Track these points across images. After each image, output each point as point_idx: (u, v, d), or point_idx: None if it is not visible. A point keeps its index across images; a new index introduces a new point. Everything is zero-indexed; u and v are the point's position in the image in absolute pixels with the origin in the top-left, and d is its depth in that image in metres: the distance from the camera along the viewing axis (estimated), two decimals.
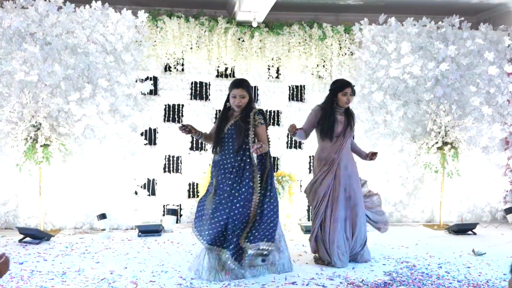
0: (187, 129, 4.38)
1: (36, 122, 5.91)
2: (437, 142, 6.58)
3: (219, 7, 7.09)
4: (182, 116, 6.89)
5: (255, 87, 7.08)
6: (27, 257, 5.03)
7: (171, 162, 6.91)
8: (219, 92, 6.95)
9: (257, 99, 7.09)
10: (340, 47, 7.03)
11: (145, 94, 6.66)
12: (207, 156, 6.85)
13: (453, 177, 6.74)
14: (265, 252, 4.36)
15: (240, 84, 4.41)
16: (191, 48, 6.76)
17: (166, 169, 6.89)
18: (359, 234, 4.86)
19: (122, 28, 6.23)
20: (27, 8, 6.04)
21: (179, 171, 6.90)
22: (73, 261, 4.91)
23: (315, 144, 7.09)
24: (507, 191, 7.13)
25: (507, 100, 7.02)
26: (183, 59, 6.85)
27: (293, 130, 4.59)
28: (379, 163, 6.77)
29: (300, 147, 7.19)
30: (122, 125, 6.33)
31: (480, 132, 6.96)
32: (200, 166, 6.83)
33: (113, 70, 6.23)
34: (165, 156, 6.90)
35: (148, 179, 6.82)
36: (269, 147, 4.46)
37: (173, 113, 6.91)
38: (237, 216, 4.30)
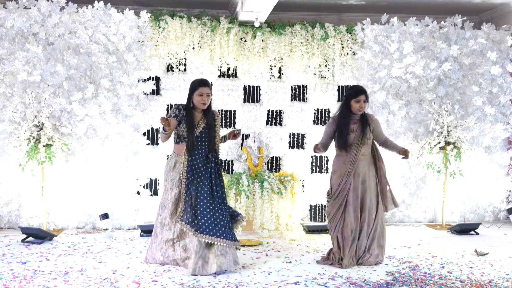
0: (167, 121, 4.42)
1: (38, 122, 5.92)
2: (439, 142, 6.57)
3: (222, 7, 7.09)
4: None
5: (257, 87, 7.09)
6: (29, 257, 5.03)
7: None
8: (221, 92, 6.96)
9: (259, 99, 7.09)
10: (343, 47, 7.03)
11: (147, 94, 6.67)
12: None
13: (456, 177, 6.74)
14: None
15: (207, 83, 4.63)
16: (194, 48, 6.77)
17: None
18: (371, 242, 4.89)
19: (124, 28, 6.23)
20: (30, 8, 6.06)
21: None
22: (75, 261, 4.92)
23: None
24: (509, 191, 7.12)
25: (509, 100, 7.01)
26: (185, 59, 6.85)
27: (317, 150, 4.85)
28: None
29: (302, 147, 7.19)
30: (124, 125, 6.34)
31: (482, 132, 6.95)
32: None
33: (115, 70, 6.24)
34: (167, 156, 6.90)
35: (150, 179, 6.83)
36: None
37: None
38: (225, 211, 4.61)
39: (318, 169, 7.21)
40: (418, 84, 6.84)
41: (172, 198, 4.60)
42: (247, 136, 6.99)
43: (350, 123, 4.84)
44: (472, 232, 6.37)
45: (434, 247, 5.64)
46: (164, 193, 4.70)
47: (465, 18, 6.85)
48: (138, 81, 6.42)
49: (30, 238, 5.69)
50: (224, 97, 6.97)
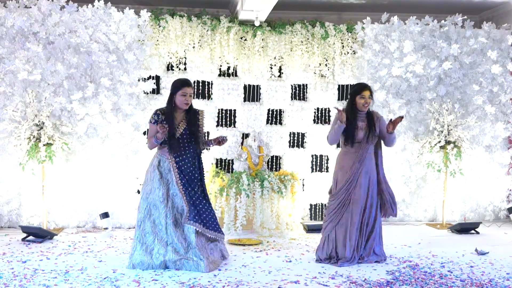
0: (164, 128, 4.44)
1: (39, 121, 5.93)
2: (440, 141, 6.57)
3: (222, 6, 7.09)
4: None
5: (257, 86, 7.09)
6: (30, 256, 5.04)
7: None
8: (222, 91, 6.95)
9: (260, 98, 7.09)
10: (343, 46, 7.02)
11: (147, 93, 6.67)
12: (209, 154, 6.86)
13: (456, 176, 6.74)
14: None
15: (190, 83, 4.64)
16: (194, 47, 6.77)
17: None
18: (372, 241, 4.92)
19: (124, 27, 6.23)
20: (30, 7, 6.06)
21: None
22: (76, 260, 4.92)
23: (316, 143, 7.13)
24: (510, 190, 7.12)
25: (510, 99, 7.00)
26: (185, 58, 6.85)
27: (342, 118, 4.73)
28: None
29: (302, 146, 7.19)
30: (124, 124, 6.34)
31: (483, 131, 6.94)
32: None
33: (115, 69, 6.24)
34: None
35: None
36: None
37: None
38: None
39: (318, 168, 7.21)
40: (418, 83, 6.84)
41: (160, 198, 4.58)
42: (247, 135, 6.98)
43: (357, 120, 4.84)
44: (473, 231, 6.37)
45: (435, 246, 5.64)
46: (151, 192, 4.60)
47: (465, 17, 6.84)
48: (138, 80, 6.42)
49: (31, 237, 5.69)
50: (224, 96, 6.97)
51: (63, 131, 6.16)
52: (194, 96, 6.87)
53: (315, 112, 7.18)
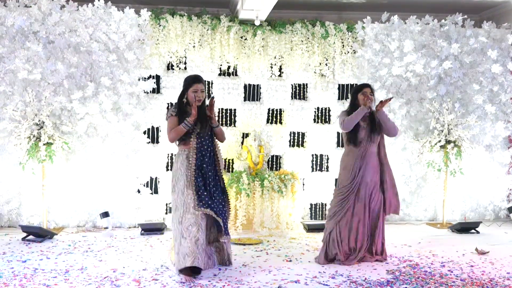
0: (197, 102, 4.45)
1: (39, 121, 5.92)
2: (440, 141, 6.56)
3: (222, 6, 7.09)
4: None
5: (257, 85, 7.09)
6: (30, 255, 5.04)
7: (173, 160, 6.90)
8: (222, 91, 6.95)
9: (260, 98, 7.09)
10: (343, 45, 7.02)
11: (147, 93, 6.67)
12: None
13: (456, 176, 6.73)
14: None
15: (201, 79, 4.57)
16: (194, 46, 6.77)
17: (169, 168, 6.89)
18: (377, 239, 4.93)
19: (124, 26, 6.23)
20: (30, 6, 6.06)
21: None
22: (76, 259, 4.92)
23: (316, 143, 7.13)
24: (510, 189, 7.11)
25: (510, 98, 7.00)
26: (185, 57, 6.85)
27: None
28: None
29: (302, 146, 7.19)
30: (125, 124, 6.34)
31: (483, 130, 6.94)
32: None
33: (116, 68, 6.24)
34: (168, 154, 6.90)
35: (150, 177, 6.82)
36: None
37: None
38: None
39: (318, 168, 7.21)
40: (418, 82, 6.83)
41: (190, 194, 4.41)
42: (247, 135, 6.98)
43: (361, 119, 4.86)
44: (473, 231, 6.37)
45: (435, 246, 5.64)
46: (181, 193, 4.45)
47: (465, 16, 6.84)
48: (139, 79, 6.41)
49: (31, 237, 5.69)
50: (224, 95, 6.97)
51: (63, 130, 6.15)
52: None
53: (315, 112, 7.18)
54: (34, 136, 5.91)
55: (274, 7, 6.25)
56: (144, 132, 6.62)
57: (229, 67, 6.97)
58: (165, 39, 6.68)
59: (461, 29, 6.83)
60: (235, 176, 6.38)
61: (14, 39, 6.04)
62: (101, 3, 6.20)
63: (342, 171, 4.97)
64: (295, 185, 6.49)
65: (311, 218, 7.14)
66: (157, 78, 6.82)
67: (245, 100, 7.08)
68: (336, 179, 5.08)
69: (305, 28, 6.90)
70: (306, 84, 7.15)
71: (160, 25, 6.62)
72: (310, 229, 6.31)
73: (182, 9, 6.91)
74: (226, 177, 6.44)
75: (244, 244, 5.61)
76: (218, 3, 6.99)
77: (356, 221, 4.84)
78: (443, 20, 6.85)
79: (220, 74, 6.99)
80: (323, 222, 6.51)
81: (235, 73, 7.02)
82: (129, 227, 6.42)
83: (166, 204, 6.80)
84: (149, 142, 6.72)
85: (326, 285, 4.24)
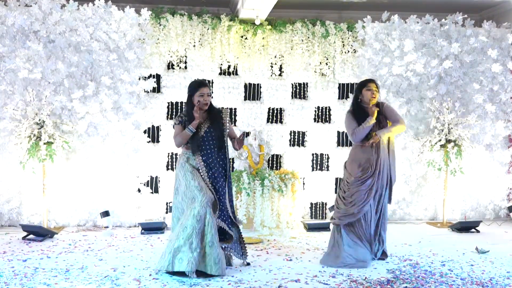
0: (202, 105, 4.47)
1: (39, 120, 5.93)
2: (440, 140, 6.57)
3: (222, 5, 7.09)
4: None
5: (258, 84, 7.09)
6: (30, 254, 5.04)
7: (174, 159, 6.91)
8: (222, 90, 6.96)
9: (260, 97, 7.09)
10: (343, 45, 7.02)
11: (148, 92, 6.67)
12: None
13: (457, 175, 6.74)
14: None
15: (206, 83, 4.62)
16: (194, 45, 6.77)
17: (169, 167, 6.90)
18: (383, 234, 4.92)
19: (125, 26, 6.23)
20: (31, 6, 6.06)
21: None
22: (76, 259, 4.92)
23: (316, 142, 7.13)
24: (510, 188, 7.12)
25: (510, 98, 7.00)
26: (186, 56, 6.85)
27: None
28: None
29: (303, 145, 7.19)
30: (125, 123, 6.34)
31: (483, 130, 6.94)
32: None
33: (116, 68, 6.24)
34: (168, 153, 6.91)
35: (151, 176, 6.83)
36: None
37: (176, 110, 6.92)
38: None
39: (318, 167, 7.21)
40: (419, 82, 6.84)
41: (198, 186, 4.40)
42: (248, 134, 6.99)
43: (366, 114, 4.80)
44: (473, 230, 6.37)
45: (435, 245, 5.65)
46: (187, 187, 4.45)
47: (466, 15, 6.84)
48: (139, 78, 6.41)
49: (31, 236, 5.70)
50: (224, 95, 6.97)
51: (64, 129, 6.16)
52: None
53: (315, 111, 7.19)
54: (34, 135, 5.91)
55: (275, 7, 6.25)
56: (145, 132, 6.63)
57: (229, 67, 6.97)
58: (166, 39, 6.68)
59: (461, 29, 6.83)
60: (235, 176, 6.39)
61: (15, 39, 6.04)
62: (102, 2, 6.19)
63: (352, 163, 4.88)
64: (296, 184, 6.50)
65: (311, 218, 7.15)
66: (158, 77, 6.82)
67: (245, 99, 7.08)
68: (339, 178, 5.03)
69: (306, 27, 6.91)
70: (307, 83, 7.16)
71: (160, 25, 6.62)
72: (311, 228, 6.31)
73: (183, 9, 6.91)
74: None
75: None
76: (218, 3, 6.99)
77: (369, 218, 4.81)
78: (443, 20, 6.85)
79: (220, 74, 6.99)
80: (323, 221, 6.54)
81: (235, 73, 7.03)
82: (130, 226, 6.43)
83: (167, 203, 6.80)
84: (150, 141, 6.72)
85: (327, 284, 4.24)
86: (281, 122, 7.16)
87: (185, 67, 6.88)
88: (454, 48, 6.65)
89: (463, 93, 6.90)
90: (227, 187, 4.57)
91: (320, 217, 7.14)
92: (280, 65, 7.03)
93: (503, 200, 7.13)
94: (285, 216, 6.36)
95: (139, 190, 6.56)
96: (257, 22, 6.54)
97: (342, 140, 7.25)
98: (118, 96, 6.27)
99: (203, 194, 4.37)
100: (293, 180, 6.48)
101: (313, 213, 7.17)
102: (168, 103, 6.90)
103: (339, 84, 7.18)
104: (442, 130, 6.62)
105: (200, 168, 4.51)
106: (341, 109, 7.16)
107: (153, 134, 6.87)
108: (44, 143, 5.87)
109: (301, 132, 7.20)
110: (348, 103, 7.18)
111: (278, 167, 7.14)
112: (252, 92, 7.10)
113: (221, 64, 6.92)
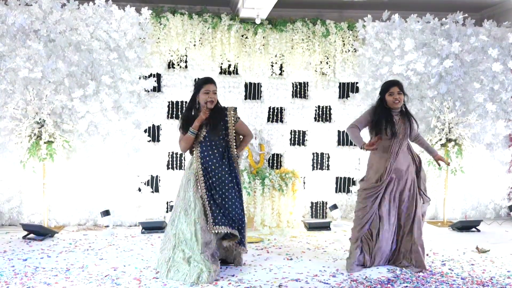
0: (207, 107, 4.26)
1: (40, 119, 5.93)
2: (440, 139, 6.56)
3: (223, 4, 7.09)
4: None
5: (258, 84, 7.08)
6: (30, 254, 5.04)
7: (174, 159, 6.92)
8: (222, 89, 6.95)
9: (261, 96, 7.09)
10: (344, 44, 7.02)
11: (148, 91, 6.67)
12: None
13: (457, 174, 6.73)
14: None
15: (212, 80, 4.39)
16: (195, 45, 6.77)
17: (170, 166, 6.90)
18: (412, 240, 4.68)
19: (125, 25, 6.23)
20: (31, 5, 6.06)
21: (183, 167, 6.91)
22: (76, 258, 4.92)
23: (317, 141, 7.13)
24: (511, 187, 7.12)
25: (511, 97, 7.00)
26: (186, 56, 6.85)
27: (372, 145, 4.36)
28: None
29: (303, 144, 7.19)
30: (125, 122, 6.34)
31: (484, 129, 6.94)
32: None
33: (116, 67, 6.24)
34: (169, 153, 6.91)
35: (151, 176, 6.83)
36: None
37: (176, 110, 6.92)
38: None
39: (319, 166, 7.22)
40: (419, 81, 6.83)
41: (190, 201, 4.32)
42: None
43: (392, 116, 4.53)
44: (474, 229, 6.37)
45: (435, 244, 5.64)
46: (183, 197, 4.39)
47: (466, 15, 6.84)
48: (139, 78, 6.41)
49: (31, 235, 5.70)
50: (225, 94, 6.97)
51: (64, 129, 6.16)
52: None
53: (316, 110, 7.19)
54: (35, 134, 5.91)
55: (275, 6, 6.26)
56: (145, 131, 6.62)
57: (229, 66, 6.97)
58: (166, 38, 6.68)
59: (462, 28, 6.83)
60: None
61: (15, 38, 6.04)
62: (102, 1, 6.19)
63: (369, 169, 4.64)
64: (296, 183, 6.50)
65: (312, 217, 7.15)
66: (158, 76, 6.82)
67: (245, 98, 7.08)
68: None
69: (306, 26, 6.90)
70: (307, 82, 7.16)
71: (161, 24, 6.62)
72: (311, 227, 6.31)
73: (183, 8, 6.91)
74: None
75: None
76: (218, 2, 6.99)
77: (388, 222, 4.64)
78: (443, 19, 6.84)
79: (220, 73, 6.99)
80: (324, 220, 6.54)
81: (235, 72, 7.03)
82: (130, 226, 6.43)
83: (167, 203, 6.81)
84: (150, 140, 6.72)
85: (327, 283, 4.24)
86: (281, 121, 7.16)
87: (186, 66, 6.88)
88: (454, 47, 6.65)
89: (464, 92, 6.90)
90: (235, 194, 4.38)
91: (321, 216, 7.14)
92: (281, 64, 7.02)
93: (503, 199, 7.12)
94: (286, 215, 6.36)
95: (139, 189, 6.56)
96: (258, 21, 6.54)
97: (343, 139, 7.24)
98: (118, 95, 6.27)
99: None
100: (293, 179, 6.48)
101: (314, 212, 7.17)
102: (169, 102, 6.90)
103: (340, 83, 7.18)
104: (443, 129, 6.61)
105: (198, 176, 4.30)
106: (341, 108, 7.16)
107: (154, 133, 6.87)
108: (45, 142, 5.87)
109: (301, 131, 7.20)
110: (348, 102, 7.18)
111: (279, 166, 7.15)
112: (253, 91, 7.09)
113: (222, 63, 6.92)
